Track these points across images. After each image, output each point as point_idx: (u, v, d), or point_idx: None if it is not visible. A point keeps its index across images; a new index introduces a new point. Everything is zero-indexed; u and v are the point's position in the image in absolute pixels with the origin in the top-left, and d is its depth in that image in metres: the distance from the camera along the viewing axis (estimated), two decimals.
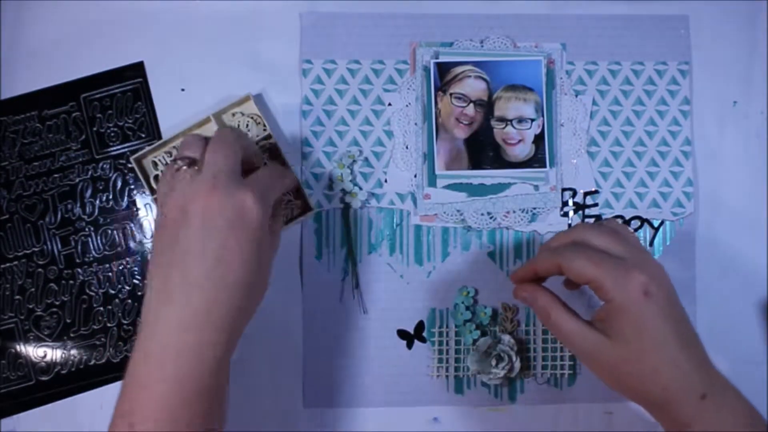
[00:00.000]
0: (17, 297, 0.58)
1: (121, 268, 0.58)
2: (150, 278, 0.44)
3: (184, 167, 0.45)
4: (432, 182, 0.59)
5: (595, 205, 0.60)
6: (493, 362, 0.56)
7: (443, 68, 0.59)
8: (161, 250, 0.44)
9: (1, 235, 0.59)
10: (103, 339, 0.58)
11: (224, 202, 0.42)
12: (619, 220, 0.60)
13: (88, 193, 0.59)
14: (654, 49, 0.61)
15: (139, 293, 0.58)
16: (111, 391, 0.57)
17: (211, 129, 0.58)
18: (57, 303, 0.58)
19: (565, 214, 0.59)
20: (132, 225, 0.59)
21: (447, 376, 0.58)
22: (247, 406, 0.57)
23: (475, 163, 0.58)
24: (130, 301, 0.58)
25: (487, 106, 0.59)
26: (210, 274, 0.42)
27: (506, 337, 0.57)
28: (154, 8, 0.60)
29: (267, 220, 0.45)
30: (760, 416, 0.44)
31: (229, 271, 0.42)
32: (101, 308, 0.58)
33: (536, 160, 0.58)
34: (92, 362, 0.58)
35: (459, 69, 0.59)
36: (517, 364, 0.56)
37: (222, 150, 0.45)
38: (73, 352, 0.58)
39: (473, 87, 0.59)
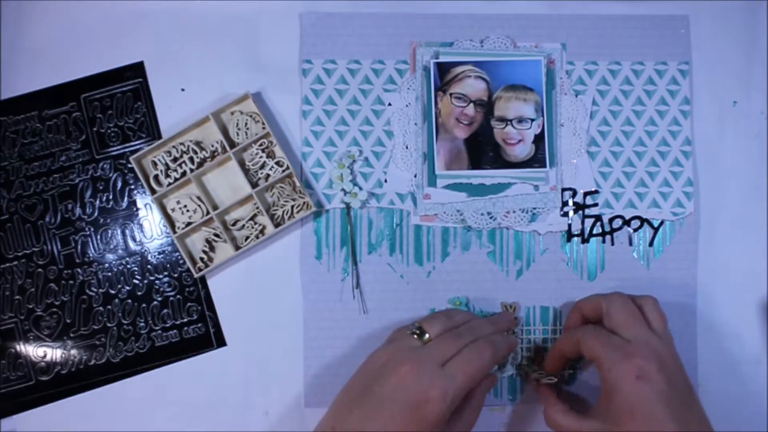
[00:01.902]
0: (17, 297, 0.58)
1: (121, 268, 0.58)
2: (339, 397, 0.48)
3: (416, 334, 0.49)
4: (432, 182, 0.59)
5: (595, 205, 0.60)
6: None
7: (443, 68, 0.59)
8: (354, 382, 0.48)
9: (1, 235, 0.59)
10: (103, 339, 0.58)
11: (415, 383, 0.44)
12: (619, 221, 0.60)
13: (88, 193, 0.59)
14: (654, 49, 0.61)
15: (139, 293, 0.58)
16: (111, 391, 0.58)
17: (210, 128, 0.58)
18: (57, 303, 0.58)
19: (565, 214, 0.59)
20: (132, 225, 0.59)
21: None
22: (247, 406, 0.57)
23: (475, 163, 0.58)
24: (130, 301, 0.58)
25: (487, 106, 0.59)
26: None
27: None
28: (154, 8, 0.60)
29: (446, 416, 0.45)
30: None
31: None
32: (101, 308, 0.58)
33: (536, 160, 0.58)
34: (92, 362, 0.58)
35: (459, 69, 0.59)
36: (519, 355, 0.57)
37: (469, 368, 0.46)
38: (73, 352, 0.58)
39: (473, 87, 0.59)
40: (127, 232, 0.59)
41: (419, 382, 0.44)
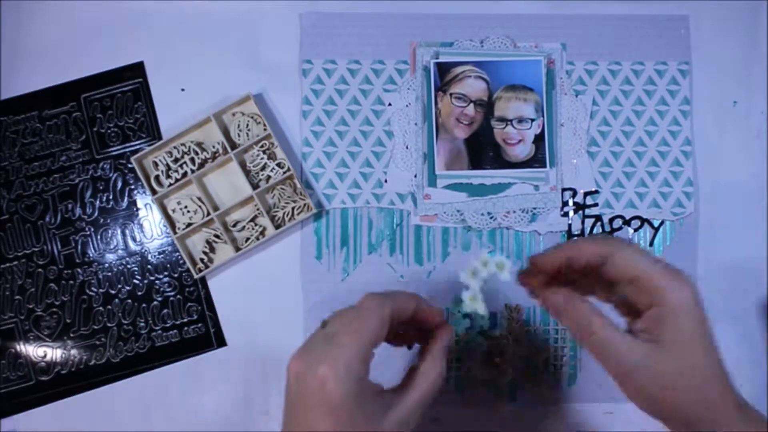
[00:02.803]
0: (17, 297, 0.58)
1: (121, 268, 0.58)
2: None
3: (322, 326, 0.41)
4: (432, 182, 0.59)
5: (595, 205, 0.60)
6: (497, 360, 0.56)
7: (443, 68, 0.59)
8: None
9: (1, 235, 0.59)
10: (103, 339, 0.58)
11: (306, 369, 0.38)
12: (619, 221, 0.60)
13: (88, 193, 0.59)
14: (654, 49, 0.61)
15: (139, 293, 0.58)
16: (111, 391, 0.58)
17: (211, 129, 0.58)
18: (57, 303, 0.58)
19: (565, 214, 0.59)
20: (132, 225, 0.59)
21: (447, 377, 0.58)
22: (247, 406, 0.57)
23: (475, 163, 0.58)
24: (130, 301, 0.58)
25: (487, 106, 0.59)
26: None
27: (498, 331, 0.57)
28: (154, 8, 0.60)
29: (360, 395, 0.38)
30: None
31: None
32: (101, 308, 0.58)
33: (536, 160, 0.58)
34: (92, 362, 0.58)
35: (459, 69, 0.59)
36: (518, 351, 0.57)
37: (355, 324, 0.39)
38: (73, 352, 0.58)
39: (473, 87, 0.59)
40: (127, 232, 0.59)
41: (309, 367, 0.38)
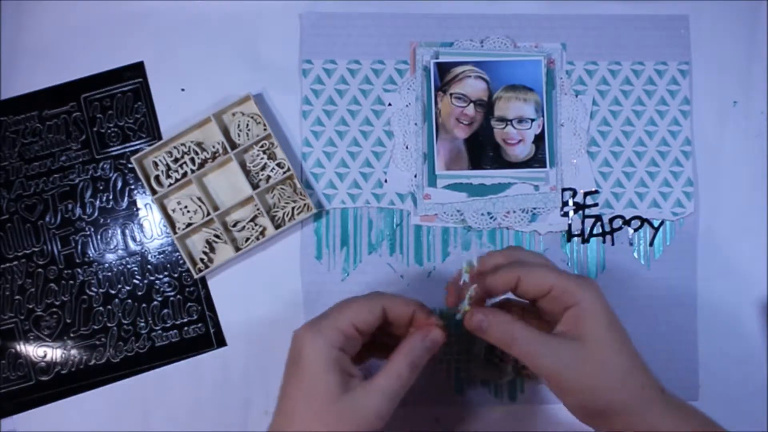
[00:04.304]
0: (17, 297, 0.58)
1: (121, 268, 0.58)
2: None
3: None
4: (432, 182, 0.59)
5: (595, 205, 0.60)
6: (497, 360, 0.56)
7: (443, 68, 0.59)
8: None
9: (1, 235, 0.59)
10: (103, 339, 0.58)
11: (294, 337, 0.42)
12: (619, 221, 0.60)
13: (88, 193, 0.59)
14: (654, 49, 0.61)
15: (139, 293, 0.58)
16: (111, 391, 0.58)
17: (211, 129, 0.58)
18: (57, 303, 0.58)
19: (565, 214, 0.59)
20: (132, 225, 0.59)
21: (447, 377, 0.58)
22: (247, 406, 0.57)
23: (475, 163, 0.58)
24: (130, 301, 0.58)
25: (487, 106, 0.59)
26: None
27: None
28: (154, 8, 0.60)
29: (329, 366, 0.40)
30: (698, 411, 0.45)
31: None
32: (101, 308, 0.58)
33: (536, 160, 0.58)
34: (92, 362, 0.58)
35: (459, 69, 0.59)
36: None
37: (344, 305, 0.43)
38: (73, 352, 0.58)
39: (473, 87, 0.59)
40: (127, 232, 0.59)
41: (298, 332, 0.41)
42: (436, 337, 0.44)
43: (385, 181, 0.59)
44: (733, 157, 0.61)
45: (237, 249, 0.57)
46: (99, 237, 0.59)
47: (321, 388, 0.39)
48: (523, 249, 0.47)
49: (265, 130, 0.58)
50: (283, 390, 0.42)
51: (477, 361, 0.57)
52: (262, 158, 0.58)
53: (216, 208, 0.58)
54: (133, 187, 0.59)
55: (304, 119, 0.59)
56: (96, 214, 0.59)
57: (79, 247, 0.59)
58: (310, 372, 0.40)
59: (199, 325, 0.58)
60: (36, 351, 0.58)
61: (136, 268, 0.59)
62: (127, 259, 0.59)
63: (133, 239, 0.59)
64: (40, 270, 0.58)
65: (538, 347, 0.41)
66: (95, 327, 0.58)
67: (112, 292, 0.58)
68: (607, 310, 0.42)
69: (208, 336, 0.58)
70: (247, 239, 0.57)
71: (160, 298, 0.58)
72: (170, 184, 0.58)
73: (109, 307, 0.58)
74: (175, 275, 0.58)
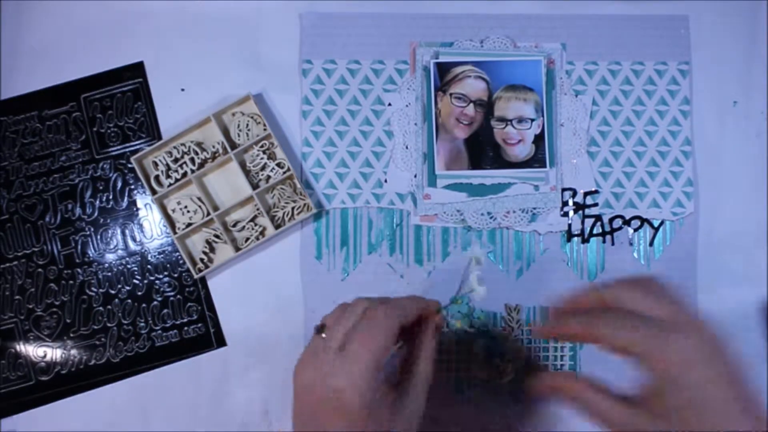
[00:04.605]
0: (17, 297, 0.58)
1: (121, 268, 0.58)
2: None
3: (318, 330, 0.43)
4: (432, 182, 0.59)
5: (595, 205, 0.60)
6: (497, 360, 0.56)
7: (443, 68, 0.59)
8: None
9: (1, 235, 0.59)
10: (103, 339, 0.58)
11: (320, 382, 0.40)
12: (619, 220, 0.60)
13: (88, 193, 0.59)
14: (654, 49, 0.61)
15: (139, 293, 0.58)
16: (111, 391, 0.58)
17: (211, 129, 0.58)
18: (57, 303, 0.58)
19: (565, 214, 0.59)
20: (132, 225, 0.59)
21: (447, 377, 0.58)
22: (247, 406, 0.57)
23: (475, 163, 0.58)
24: (129, 301, 0.58)
25: (487, 106, 0.59)
26: None
27: (497, 331, 0.57)
28: (154, 8, 0.60)
29: (370, 397, 0.39)
30: None
31: None
32: (101, 308, 0.58)
33: (536, 160, 0.58)
34: (92, 362, 0.58)
35: (459, 69, 0.59)
36: (519, 352, 0.57)
37: (367, 337, 0.41)
38: (73, 352, 0.58)
39: (473, 87, 0.59)
40: (127, 232, 0.59)
41: (322, 379, 0.39)
42: (439, 326, 0.46)
43: (385, 181, 0.59)
44: (733, 157, 0.61)
45: (237, 249, 0.57)
46: (99, 237, 0.59)
47: (376, 426, 0.39)
48: (626, 288, 0.40)
49: (265, 130, 0.58)
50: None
51: (477, 361, 0.57)
52: (262, 158, 0.58)
53: (216, 208, 0.57)
54: (133, 187, 0.59)
55: (304, 119, 0.59)
56: (96, 214, 0.59)
57: (79, 247, 0.59)
58: (360, 418, 0.39)
59: (199, 325, 0.58)
60: (36, 351, 0.58)
61: (136, 268, 0.59)
62: (127, 259, 0.59)
63: (133, 239, 0.59)
64: (40, 270, 0.58)
65: (616, 417, 0.38)
66: (95, 327, 0.58)
67: (112, 292, 0.58)
68: (689, 380, 0.36)
69: (208, 336, 0.58)
70: (247, 239, 0.57)
71: (160, 298, 0.58)
72: (170, 184, 0.58)
73: (109, 307, 0.58)
74: (175, 275, 0.58)
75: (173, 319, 0.58)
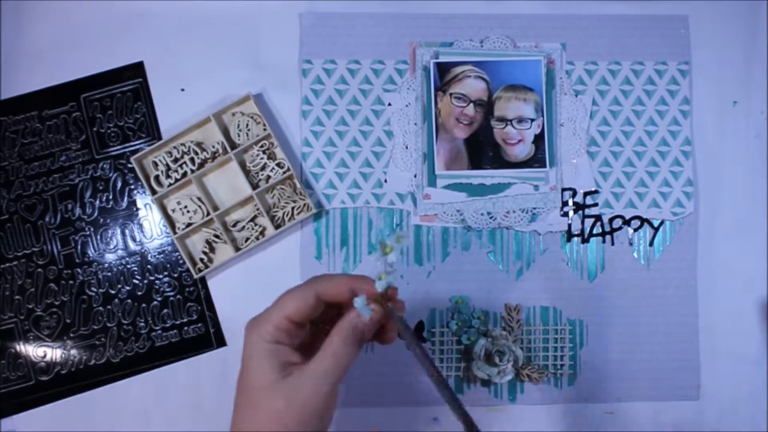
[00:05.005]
0: (17, 297, 0.58)
1: (120, 268, 0.58)
2: None
3: None
4: (432, 182, 0.59)
5: (595, 204, 0.60)
6: (497, 359, 0.56)
7: (443, 68, 0.59)
8: None
9: (1, 235, 0.58)
10: (103, 339, 0.58)
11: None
12: (619, 220, 0.60)
13: (88, 193, 0.59)
14: (654, 49, 0.61)
15: (139, 293, 0.58)
16: (111, 391, 0.58)
17: (211, 129, 0.58)
18: (57, 303, 0.58)
19: (565, 214, 0.59)
20: (132, 225, 0.59)
21: (447, 376, 0.58)
22: None
23: (475, 163, 0.58)
24: (129, 301, 0.58)
25: (487, 106, 0.59)
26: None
27: (497, 331, 0.57)
28: (154, 8, 0.60)
29: (261, 356, 0.41)
30: None
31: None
32: (101, 308, 0.58)
33: (536, 160, 0.58)
34: (92, 362, 0.58)
35: (459, 69, 0.59)
36: (519, 352, 0.57)
37: (280, 299, 0.43)
38: (73, 352, 0.58)
39: (473, 87, 0.59)
40: (127, 232, 0.59)
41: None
42: (359, 321, 0.43)
43: (385, 181, 0.59)
44: (733, 157, 0.61)
45: (237, 249, 0.57)
46: (99, 237, 0.59)
47: (257, 378, 0.41)
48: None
49: (264, 130, 0.58)
50: (238, 381, 0.43)
51: (477, 361, 0.57)
52: (261, 158, 0.58)
53: (216, 208, 0.57)
54: (133, 187, 0.59)
55: (304, 119, 0.59)
56: (96, 214, 0.59)
57: (79, 247, 0.59)
58: (246, 365, 0.42)
59: (199, 325, 0.58)
60: (36, 351, 0.58)
61: (136, 268, 0.59)
62: (127, 259, 0.59)
63: (133, 239, 0.59)
64: (40, 270, 0.58)
65: None
66: (95, 327, 0.58)
67: (112, 292, 0.58)
68: None
69: (208, 336, 0.58)
70: (247, 239, 0.57)
71: (159, 298, 0.58)
72: (170, 184, 0.58)
73: (109, 307, 0.58)
74: (175, 275, 0.58)
75: (173, 319, 0.58)
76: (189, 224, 0.58)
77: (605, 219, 0.60)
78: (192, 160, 0.58)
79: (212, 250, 0.58)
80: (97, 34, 0.60)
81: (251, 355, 0.42)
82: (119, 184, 0.59)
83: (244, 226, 0.58)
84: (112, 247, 0.59)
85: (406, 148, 0.59)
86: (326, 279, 0.44)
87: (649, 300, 0.59)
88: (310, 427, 0.40)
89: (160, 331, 0.58)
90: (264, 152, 0.58)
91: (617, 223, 0.60)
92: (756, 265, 0.60)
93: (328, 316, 0.45)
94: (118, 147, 0.59)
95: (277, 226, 0.57)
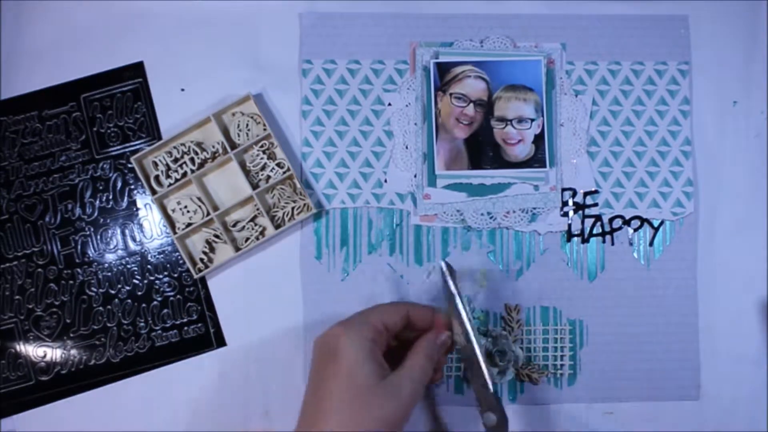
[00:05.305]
0: (17, 297, 0.58)
1: (120, 268, 0.58)
2: None
3: None
4: (432, 182, 0.59)
5: (595, 205, 0.60)
6: (497, 359, 0.56)
7: (443, 68, 0.59)
8: None
9: (1, 235, 0.59)
10: (102, 339, 0.58)
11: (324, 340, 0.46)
12: (619, 221, 0.60)
13: (88, 193, 0.59)
14: (654, 49, 0.61)
15: (139, 293, 0.58)
16: (111, 391, 0.58)
17: (211, 129, 0.58)
18: (57, 303, 0.58)
19: (565, 214, 0.59)
20: (132, 225, 0.59)
21: (447, 376, 0.58)
22: (247, 406, 0.57)
23: (475, 163, 0.58)
24: (129, 301, 0.58)
25: (487, 106, 0.59)
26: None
27: (497, 331, 0.57)
28: (154, 8, 0.60)
29: (366, 356, 0.44)
30: None
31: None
32: (101, 308, 0.58)
33: (536, 160, 0.58)
34: (92, 362, 0.58)
35: (459, 69, 0.59)
36: (519, 352, 0.57)
37: (375, 309, 0.49)
38: (73, 352, 0.58)
39: (473, 87, 0.59)
40: (127, 232, 0.59)
41: (327, 334, 0.46)
42: (445, 339, 0.50)
43: (385, 181, 0.59)
44: (733, 157, 0.61)
45: (237, 249, 0.57)
46: (99, 237, 0.59)
47: (361, 376, 0.43)
48: None
49: (264, 130, 0.58)
50: (317, 381, 0.44)
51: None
52: (261, 158, 0.58)
53: (216, 208, 0.58)
54: (132, 187, 0.59)
55: (304, 119, 0.59)
56: (96, 214, 0.59)
57: (79, 247, 0.59)
58: (348, 362, 0.43)
59: (199, 325, 0.58)
60: (36, 351, 0.58)
61: (135, 268, 0.59)
62: (127, 259, 0.59)
63: (133, 239, 0.59)
64: (40, 270, 0.58)
65: None
66: (95, 327, 0.58)
67: (112, 292, 0.58)
68: None
69: (208, 336, 0.58)
70: (247, 239, 0.57)
71: (159, 298, 0.58)
72: (170, 184, 0.58)
73: (109, 307, 0.58)
74: (175, 275, 0.58)
75: (173, 319, 0.58)
76: (189, 224, 0.58)
77: (605, 219, 0.60)
78: (192, 160, 0.58)
79: (212, 250, 0.58)
80: (97, 34, 0.60)
81: (353, 353, 0.43)
82: (119, 184, 0.59)
83: (244, 226, 0.58)
84: (112, 247, 0.59)
85: (406, 148, 0.59)
86: (414, 303, 0.54)
87: (649, 300, 0.59)
88: (402, 427, 0.44)
89: (160, 331, 0.58)
90: (264, 152, 0.58)
91: (617, 223, 0.60)
92: (756, 265, 0.60)
93: (403, 336, 0.50)
94: (118, 147, 0.59)
95: (277, 226, 0.57)
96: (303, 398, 0.46)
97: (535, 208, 0.59)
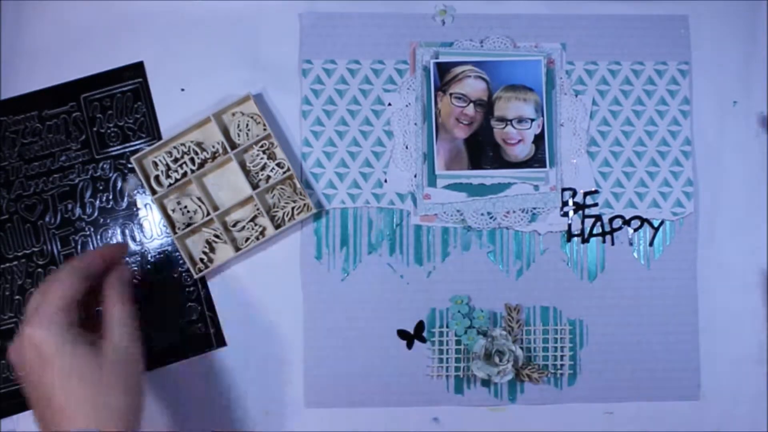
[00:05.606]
0: (17, 297, 0.58)
1: None
2: None
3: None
4: (432, 182, 0.59)
5: (595, 205, 0.60)
6: (497, 359, 0.56)
7: (443, 68, 0.59)
8: None
9: (1, 235, 0.59)
10: None
11: (21, 347, 0.43)
12: (619, 220, 0.60)
13: (88, 193, 0.59)
14: (654, 49, 0.61)
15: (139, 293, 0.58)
16: None
17: (211, 129, 0.58)
18: None
19: (565, 214, 0.59)
20: (132, 225, 0.59)
21: (447, 376, 0.58)
22: (248, 405, 0.57)
23: (475, 163, 0.58)
24: None
25: (487, 106, 0.59)
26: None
27: (497, 330, 0.57)
28: (154, 8, 0.60)
29: (72, 343, 0.43)
30: None
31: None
32: (101, 308, 0.58)
33: (536, 160, 0.58)
34: None
35: (459, 69, 0.59)
36: (519, 352, 0.57)
37: (51, 291, 0.45)
38: None
39: (473, 87, 0.59)
40: (127, 232, 0.59)
41: (21, 341, 0.43)
42: (125, 273, 0.51)
43: (385, 181, 0.59)
44: (733, 157, 0.61)
45: (237, 249, 0.57)
46: (99, 237, 0.59)
47: (79, 366, 0.42)
48: None
49: (264, 130, 0.58)
50: (42, 392, 0.43)
51: (477, 361, 0.57)
52: (261, 158, 0.58)
53: (216, 208, 0.58)
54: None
55: (304, 119, 0.59)
56: (96, 214, 0.59)
57: (79, 247, 0.59)
58: (62, 362, 0.42)
59: (199, 325, 0.58)
60: None
61: (135, 269, 0.59)
62: (127, 259, 0.58)
63: (133, 239, 0.59)
64: (40, 270, 0.58)
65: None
66: None
67: None
68: None
69: (208, 336, 0.58)
70: (247, 239, 0.58)
71: (160, 298, 0.58)
72: (170, 184, 0.58)
73: None
74: (175, 275, 0.58)
75: (173, 319, 0.58)
76: (189, 224, 0.58)
77: (605, 219, 0.60)
78: (192, 160, 0.58)
79: (212, 250, 0.58)
80: (96, 34, 0.60)
81: (62, 347, 0.43)
82: (119, 184, 0.59)
83: (244, 226, 0.58)
84: None
85: (406, 148, 0.59)
86: (83, 256, 0.49)
87: (649, 300, 0.59)
88: (143, 367, 0.47)
89: (160, 331, 0.58)
90: (264, 152, 0.58)
91: (617, 223, 0.60)
92: (756, 265, 0.60)
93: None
94: (118, 147, 0.59)
95: (277, 226, 0.57)
96: (35, 414, 0.44)
97: (535, 208, 0.59)
